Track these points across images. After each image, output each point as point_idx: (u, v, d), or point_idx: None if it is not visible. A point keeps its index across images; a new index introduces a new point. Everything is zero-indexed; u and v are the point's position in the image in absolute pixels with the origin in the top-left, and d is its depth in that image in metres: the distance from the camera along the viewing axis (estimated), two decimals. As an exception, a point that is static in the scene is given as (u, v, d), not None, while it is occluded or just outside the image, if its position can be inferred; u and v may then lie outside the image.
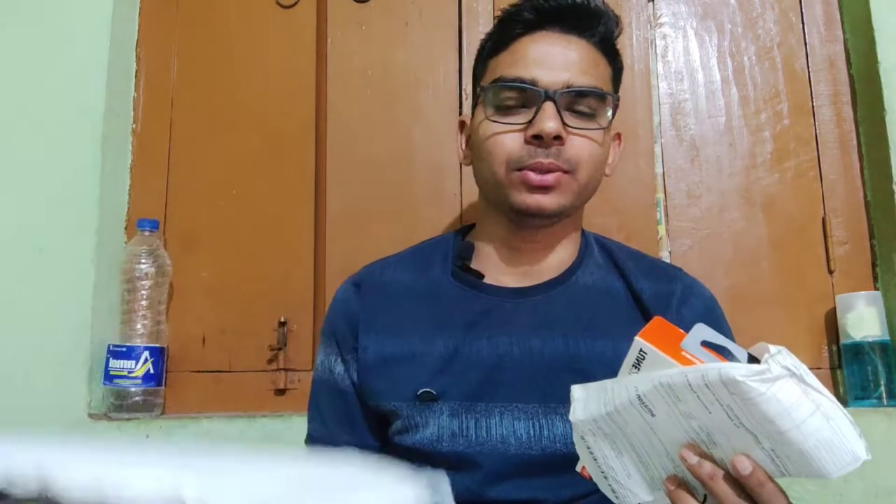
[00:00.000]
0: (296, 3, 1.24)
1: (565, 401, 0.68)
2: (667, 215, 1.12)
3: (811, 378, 0.48)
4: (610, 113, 0.78)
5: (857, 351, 1.00)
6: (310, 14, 1.24)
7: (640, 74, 1.16)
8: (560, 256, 0.82)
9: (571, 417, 0.56)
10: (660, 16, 1.19)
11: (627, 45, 1.17)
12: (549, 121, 0.73)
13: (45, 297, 1.11)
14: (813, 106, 1.13)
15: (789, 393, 0.46)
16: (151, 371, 1.08)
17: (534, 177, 0.74)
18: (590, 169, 0.76)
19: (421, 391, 0.75)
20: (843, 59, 1.14)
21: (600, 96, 0.76)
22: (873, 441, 0.93)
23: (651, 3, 1.19)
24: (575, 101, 0.75)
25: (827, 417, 0.46)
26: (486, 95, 0.78)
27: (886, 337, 1.01)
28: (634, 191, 1.13)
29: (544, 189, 0.74)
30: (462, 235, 0.88)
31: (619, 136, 0.86)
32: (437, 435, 0.74)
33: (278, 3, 1.25)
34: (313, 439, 0.84)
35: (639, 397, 0.51)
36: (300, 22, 1.24)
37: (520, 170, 0.75)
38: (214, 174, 1.21)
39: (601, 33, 0.79)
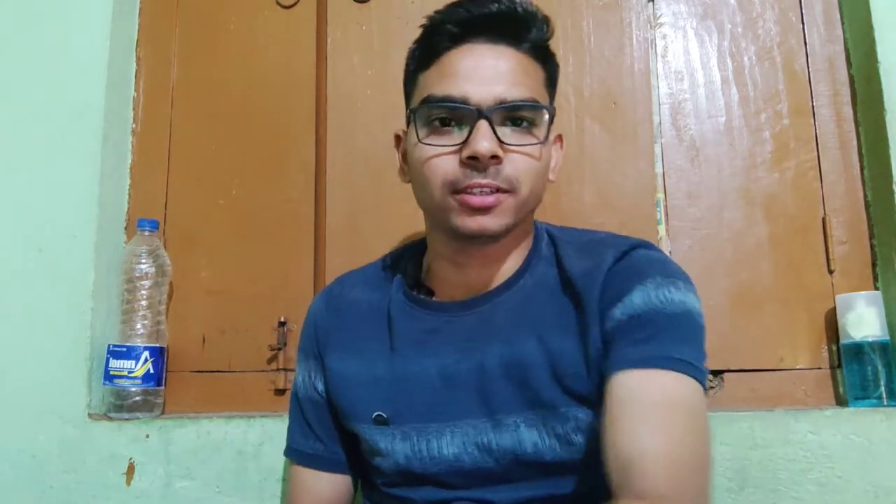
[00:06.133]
0: (296, 3, 1.24)
1: (511, 412, 0.70)
2: (667, 215, 1.12)
3: None
4: (547, 122, 0.74)
5: (857, 351, 1.00)
6: (310, 14, 1.24)
7: (640, 74, 1.16)
8: (509, 265, 0.79)
9: None
10: (660, 16, 1.19)
11: (627, 45, 1.17)
12: (483, 141, 0.69)
13: (44, 296, 1.11)
14: (813, 106, 1.13)
15: None
16: (151, 371, 1.08)
17: (474, 199, 0.70)
18: (530, 184, 0.73)
19: (375, 414, 0.77)
20: (843, 59, 1.14)
21: (535, 108, 0.73)
22: (873, 441, 0.93)
23: (651, 3, 1.19)
24: (509, 115, 0.72)
25: None
26: (416, 116, 0.74)
27: (886, 337, 1.01)
28: (634, 191, 1.13)
29: (485, 210, 0.70)
30: (423, 248, 0.86)
31: (559, 137, 0.82)
32: (393, 459, 0.75)
33: (278, 3, 1.25)
34: (311, 457, 0.85)
35: None
36: (300, 22, 1.24)
37: (458, 192, 0.71)
38: (214, 174, 1.21)
39: (532, 39, 0.75)
